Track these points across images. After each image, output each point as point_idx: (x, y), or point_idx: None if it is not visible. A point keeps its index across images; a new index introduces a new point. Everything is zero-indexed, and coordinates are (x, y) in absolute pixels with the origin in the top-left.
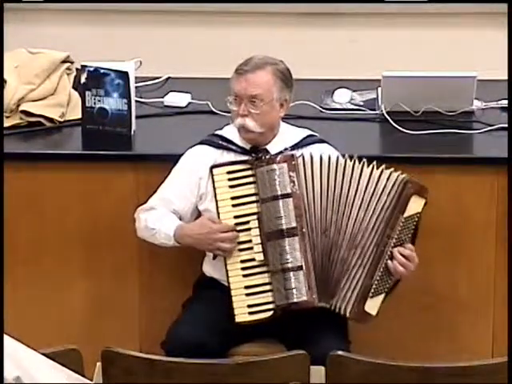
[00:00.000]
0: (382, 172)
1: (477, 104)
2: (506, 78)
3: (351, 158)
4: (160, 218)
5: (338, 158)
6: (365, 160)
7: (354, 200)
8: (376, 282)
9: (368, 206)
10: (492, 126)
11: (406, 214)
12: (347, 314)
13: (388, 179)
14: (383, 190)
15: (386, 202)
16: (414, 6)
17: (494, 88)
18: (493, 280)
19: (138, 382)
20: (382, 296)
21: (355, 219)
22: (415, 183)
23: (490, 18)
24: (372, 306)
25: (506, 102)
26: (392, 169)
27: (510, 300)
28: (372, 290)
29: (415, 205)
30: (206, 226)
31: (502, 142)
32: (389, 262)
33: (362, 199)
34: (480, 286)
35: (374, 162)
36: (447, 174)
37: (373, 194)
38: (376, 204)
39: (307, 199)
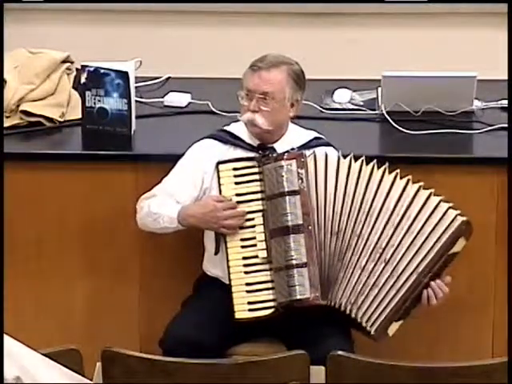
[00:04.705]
0: (437, 205)
1: (477, 104)
2: (506, 78)
3: (367, 162)
4: (163, 204)
5: (362, 161)
6: (384, 166)
7: (379, 212)
8: (404, 308)
9: (407, 228)
10: (492, 125)
11: (450, 252)
12: (372, 332)
13: (444, 215)
14: (433, 221)
15: (434, 234)
16: (413, 6)
17: (494, 88)
18: (493, 280)
19: (138, 382)
20: (402, 320)
21: (381, 233)
22: (470, 226)
23: (490, 17)
24: (393, 328)
25: (506, 101)
26: (449, 204)
27: (510, 300)
28: (399, 315)
29: (460, 244)
30: (209, 204)
31: (502, 142)
32: (424, 291)
33: (390, 215)
34: (480, 286)
35: (400, 175)
36: (447, 174)
37: (420, 220)
38: (419, 231)
39: (316, 197)
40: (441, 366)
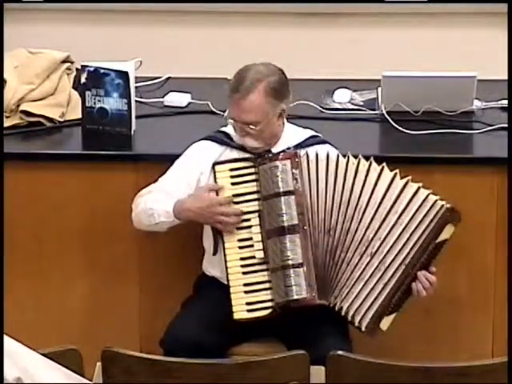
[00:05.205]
0: (416, 191)
1: (477, 104)
2: (506, 77)
3: (359, 158)
4: (158, 199)
5: (348, 158)
6: (372, 161)
7: (366, 207)
8: (394, 301)
9: (394, 221)
10: (492, 125)
11: (437, 240)
12: (362, 329)
13: (425, 201)
14: (421, 213)
15: (421, 225)
16: (413, 6)
17: (494, 88)
18: (493, 280)
19: (138, 382)
20: (395, 314)
21: (367, 226)
22: (456, 211)
23: (490, 17)
24: (385, 322)
25: (506, 101)
26: (430, 190)
27: (510, 300)
28: (390, 309)
29: (447, 231)
30: (205, 199)
31: (502, 142)
32: (413, 284)
33: (377, 209)
34: (480, 286)
35: (386, 167)
36: (447, 174)
37: (409, 214)
38: (407, 224)
39: (310, 197)
40: (441, 365)
